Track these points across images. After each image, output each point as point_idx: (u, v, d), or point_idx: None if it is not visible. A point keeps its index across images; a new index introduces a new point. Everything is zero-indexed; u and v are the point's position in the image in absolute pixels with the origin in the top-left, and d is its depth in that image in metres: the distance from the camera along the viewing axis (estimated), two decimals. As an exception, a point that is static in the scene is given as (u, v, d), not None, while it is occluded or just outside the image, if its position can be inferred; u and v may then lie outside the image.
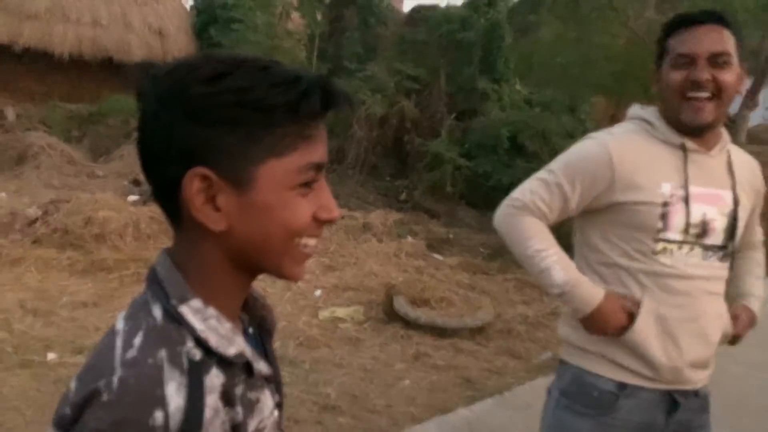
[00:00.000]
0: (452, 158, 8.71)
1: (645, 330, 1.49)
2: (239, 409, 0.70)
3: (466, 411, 3.21)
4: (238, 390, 0.71)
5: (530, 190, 1.54)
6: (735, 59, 1.46)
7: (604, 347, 1.54)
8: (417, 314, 4.44)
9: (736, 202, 1.53)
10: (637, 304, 1.49)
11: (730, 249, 1.54)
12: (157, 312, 0.69)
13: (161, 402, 0.62)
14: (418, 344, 4.17)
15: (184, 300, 0.69)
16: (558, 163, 1.56)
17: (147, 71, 0.70)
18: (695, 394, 1.58)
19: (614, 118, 10.67)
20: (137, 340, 0.66)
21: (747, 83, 7.46)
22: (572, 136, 9.09)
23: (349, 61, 10.48)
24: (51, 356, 3.51)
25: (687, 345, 1.51)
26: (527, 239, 1.52)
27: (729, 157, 1.55)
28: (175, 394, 0.63)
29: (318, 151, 0.71)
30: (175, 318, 0.68)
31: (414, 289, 4.75)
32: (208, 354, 0.68)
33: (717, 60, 1.44)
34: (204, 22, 11.74)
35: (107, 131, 9.20)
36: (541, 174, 1.56)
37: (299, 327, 4.31)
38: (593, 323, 1.50)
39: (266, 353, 0.81)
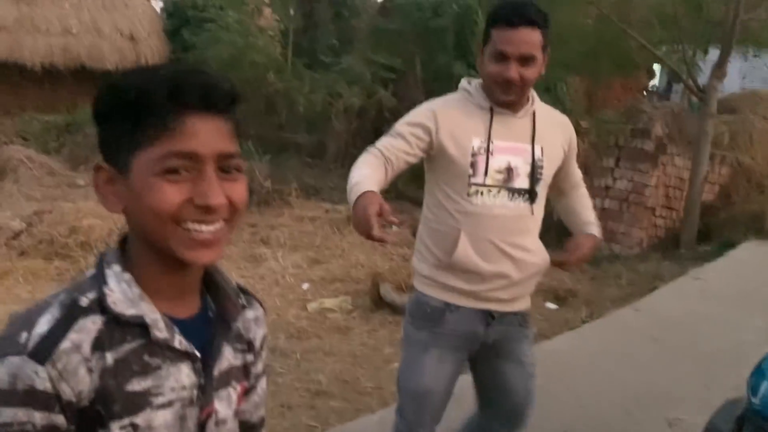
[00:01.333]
0: (433, 145, 8.77)
1: (464, 257, 1.81)
2: (110, 359, 0.77)
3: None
4: (125, 346, 0.79)
5: (378, 141, 1.84)
6: (540, 54, 1.78)
7: (435, 273, 1.87)
8: (404, 300, 4.52)
9: (533, 154, 1.85)
10: (398, 220, 1.69)
11: (537, 191, 1.86)
12: (91, 270, 0.84)
13: (30, 326, 0.75)
14: (406, 328, 4.24)
15: (110, 263, 0.82)
16: (398, 123, 1.88)
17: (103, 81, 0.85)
18: (514, 313, 1.93)
19: (590, 95, 10.79)
20: (65, 286, 0.82)
21: (714, 54, 7.57)
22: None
23: (325, 55, 10.49)
24: (45, 364, 3.56)
25: (492, 275, 1.84)
26: (357, 168, 1.77)
27: (533, 116, 1.88)
28: (43, 324, 0.76)
29: (183, 141, 0.77)
30: (100, 274, 0.82)
31: (400, 276, 4.83)
32: (100, 306, 0.79)
33: (526, 60, 1.75)
34: (176, 25, 11.71)
35: (85, 140, 9.16)
36: (389, 134, 1.87)
37: (289, 320, 4.39)
38: (354, 212, 1.65)
39: (212, 339, 0.87)
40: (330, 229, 6.55)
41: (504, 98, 1.81)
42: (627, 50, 8.10)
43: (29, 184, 7.37)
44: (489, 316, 1.89)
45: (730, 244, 7.07)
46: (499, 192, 1.83)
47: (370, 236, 1.55)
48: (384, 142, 1.83)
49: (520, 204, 1.85)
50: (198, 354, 0.84)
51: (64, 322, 0.76)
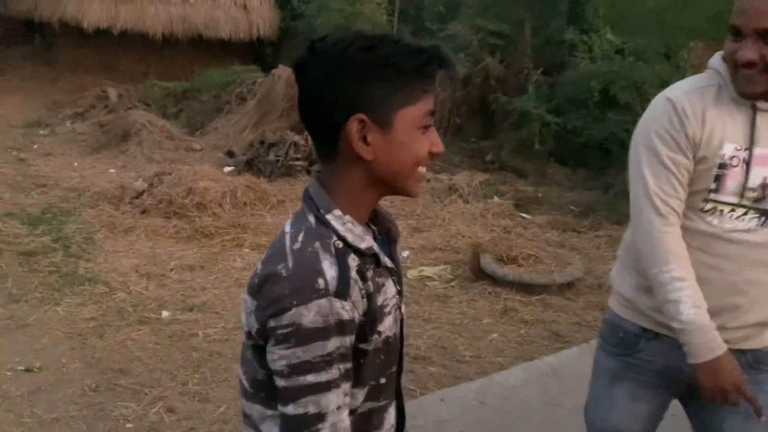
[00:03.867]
0: (540, 115, 8.49)
1: None
2: (370, 285, 0.98)
3: (551, 358, 3.25)
4: (369, 273, 0.99)
5: (651, 192, 1.47)
6: None
7: (636, 295, 1.57)
8: (504, 271, 4.46)
9: None
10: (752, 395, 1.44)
11: None
12: (311, 218, 1.00)
13: (321, 273, 0.93)
14: (506, 300, 4.20)
15: (329, 210, 1.00)
16: (646, 138, 1.50)
17: (309, 46, 0.98)
18: (740, 351, 1.53)
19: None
20: (300, 237, 0.98)
21: None
22: (668, 85, 8.63)
23: (431, 22, 10.36)
24: (165, 314, 3.83)
25: (718, 310, 1.48)
26: (665, 262, 1.45)
27: None
28: (329, 269, 0.94)
29: (431, 101, 0.99)
30: (323, 222, 0.99)
31: (501, 248, 4.76)
32: (347, 245, 0.98)
33: (766, 36, 1.36)
34: (285, -6, 11.93)
35: (200, 107, 9.61)
36: (645, 160, 1.49)
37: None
38: (705, 373, 1.45)
39: (391, 254, 1.09)
40: (431, 198, 6.54)
41: (746, 90, 1.41)
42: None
43: (151, 147, 7.85)
44: None
45: None
46: (746, 213, 1.45)
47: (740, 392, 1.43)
48: (663, 192, 1.46)
49: None
50: (395, 268, 1.07)
51: (341, 263, 0.95)
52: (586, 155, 8.55)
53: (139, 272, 4.41)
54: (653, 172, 1.48)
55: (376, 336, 0.98)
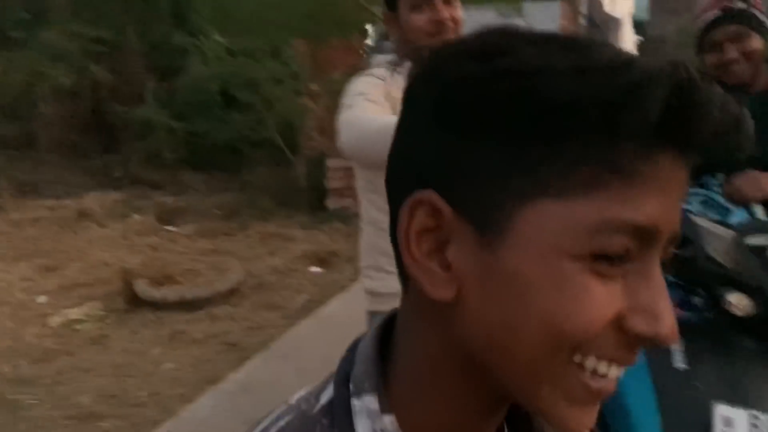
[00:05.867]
0: (163, 122, 8.21)
1: None
2: None
3: (236, 375, 3.18)
4: None
5: (359, 92, 1.53)
6: None
7: None
8: (163, 293, 4.20)
9: None
10: None
11: None
12: (325, 397, 0.47)
13: None
14: (171, 323, 3.96)
15: (361, 392, 0.45)
16: (350, 97, 1.56)
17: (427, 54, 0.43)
18: None
19: (315, 58, 11.00)
20: (280, 423, 0.47)
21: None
22: (281, 81, 9.18)
23: (15, 31, 9.06)
24: None
25: None
26: (376, 118, 1.46)
27: None
28: None
29: (647, 205, 0.38)
30: (336, 412, 0.45)
31: (153, 268, 4.48)
32: None
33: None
34: None
35: None
36: (347, 104, 1.54)
37: (29, 341, 3.78)
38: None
39: None
40: (59, 230, 5.79)
41: None
42: (345, 10, 8.39)
43: None
44: None
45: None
46: None
47: None
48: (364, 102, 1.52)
49: None
50: None
51: None
52: (217, 158, 8.60)
53: None
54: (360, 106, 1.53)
55: None
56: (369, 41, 14.45)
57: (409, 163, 0.43)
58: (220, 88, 8.55)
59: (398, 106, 0.45)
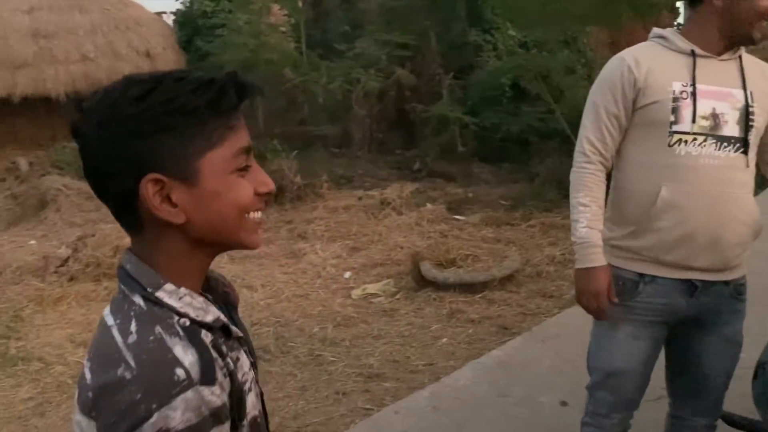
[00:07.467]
0: (457, 117, 8.67)
1: (663, 213, 1.67)
2: (229, 361, 0.82)
3: (497, 351, 3.31)
4: (224, 348, 0.82)
5: (584, 137, 1.76)
6: None
7: (628, 240, 1.74)
8: (445, 275, 4.51)
9: (746, 98, 1.68)
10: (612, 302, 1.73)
11: (749, 140, 1.68)
12: (139, 300, 0.80)
13: (177, 362, 0.75)
14: (451, 303, 4.24)
15: (158, 286, 0.81)
16: (594, 92, 1.77)
17: (77, 106, 0.81)
18: (725, 283, 1.74)
19: (614, 44, 10.48)
20: (132, 326, 0.78)
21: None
22: (573, 71, 8.98)
23: (338, 43, 10.45)
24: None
25: (702, 240, 1.67)
26: (578, 191, 1.76)
27: (741, 61, 1.72)
28: (184, 354, 0.76)
29: (243, 137, 0.82)
30: (154, 301, 0.80)
31: (439, 252, 4.82)
32: (193, 322, 0.81)
33: None
34: (188, 35, 11.80)
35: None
36: (588, 108, 1.77)
37: (335, 309, 4.42)
38: (581, 277, 1.75)
39: (234, 322, 0.91)
40: (365, 216, 6.56)
41: (762, 37, 1.66)
42: (642, -9, 7.83)
43: (70, 211, 7.56)
44: (692, 287, 1.71)
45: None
46: (705, 140, 1.65)
47: (598, 316, 1.74)
48: (594, 138, 1.73)
49: (731, 154, 1.66)
50: (245, 337, 0.90)
51: (196, 343, 0.78)
52: (507, 150, 8.78)
53: (74, 342, 4.21)
54: (591, 120, 1.76)
55: (245, 416, 0.84)
56: (680, 21, 13.20)
57: (118, 167, 0.78)
58: (511, 81, 8.70)
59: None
